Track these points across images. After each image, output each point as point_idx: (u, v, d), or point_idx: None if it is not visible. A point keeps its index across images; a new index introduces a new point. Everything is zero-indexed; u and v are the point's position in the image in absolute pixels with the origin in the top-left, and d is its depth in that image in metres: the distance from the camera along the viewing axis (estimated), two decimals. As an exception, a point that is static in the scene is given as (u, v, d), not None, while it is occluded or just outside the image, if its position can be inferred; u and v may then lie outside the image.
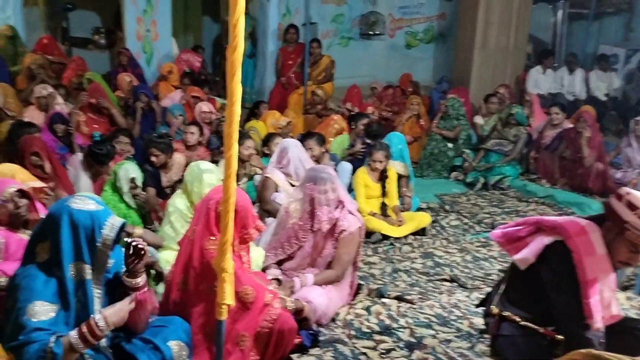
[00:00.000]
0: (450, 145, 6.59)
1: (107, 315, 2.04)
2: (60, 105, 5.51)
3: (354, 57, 8.95)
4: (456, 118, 6.66)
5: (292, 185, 4.12)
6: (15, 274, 2.14)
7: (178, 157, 4.77)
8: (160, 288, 3.10)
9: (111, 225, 2.14)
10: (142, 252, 2.20)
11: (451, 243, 4.48)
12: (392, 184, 4.76)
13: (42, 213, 3.03)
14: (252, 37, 8.20)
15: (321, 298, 2.97)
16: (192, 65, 7.36)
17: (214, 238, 2.48)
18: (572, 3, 9.46)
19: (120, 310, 2.11)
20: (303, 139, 4.79)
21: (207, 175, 3.52)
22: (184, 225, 3.56)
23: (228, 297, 2.12)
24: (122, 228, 2.19)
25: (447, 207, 5.36)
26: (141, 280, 2.28)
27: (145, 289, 2.32)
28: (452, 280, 3.73)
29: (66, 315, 2.08)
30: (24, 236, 2.93)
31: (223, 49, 8.71)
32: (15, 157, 4.12)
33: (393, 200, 4.75)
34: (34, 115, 5.24)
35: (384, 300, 3.33)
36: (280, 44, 8.06)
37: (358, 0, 9.13)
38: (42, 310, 2.00)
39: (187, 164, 4.46)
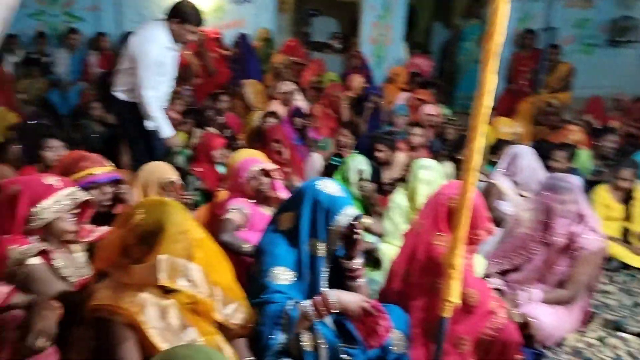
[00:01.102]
0: None
1: (340, 296, 2.13)
2: (299, 101, 6.02)
3: (597, 66, 8.07)
4: None
5: (521, 195, 3.86)
6: (262, 239, 2.37)
7: (400, 156, 4.84)
8: (376, 275, 3.17)
9: (346, 214, 2.24)
10: (357, 239, 2.28)
11: None
12: (638, 207, 4.15)
13: (280, 192, 3.33)
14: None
15: (549, 317, 2.70)
16: (421, 69, 7.42)
17: (441, 234, 2.43)
18: None
19: (353, 296, 2.18)
20: (548, 148, 4.45)
21: (423, 172, 3.52)
22: (404, 221, 3.60)
23: (454, 295, 2.05)
24: (356, 218, 2.28)
25: None
26: (358, 263, 2.35)
27: (361, 272, 2.40)
28: None
29: (300, 284, 2.23)
30: (265, 211, 3.25)
31: (452, 54, 8.68)
32: (260, 143, 4.63)
33: (638, 226, 4.13)
34: (277, 109, 5.81)
35: (621, 334, 2.91)
36: (513, 49, 7.66)
37: (609, 3, 8.21)
38: (283, 275, 2.18)
39: (408, 164, 4.51)
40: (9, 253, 2.05)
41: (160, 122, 3.88)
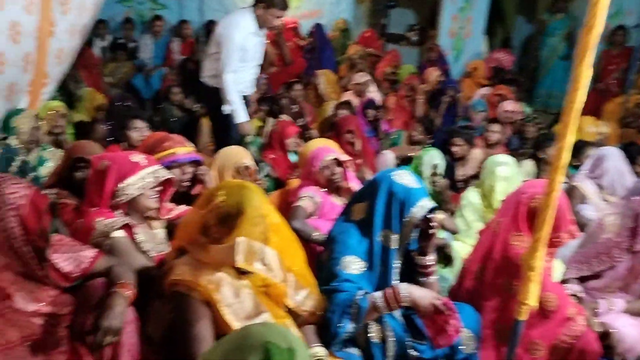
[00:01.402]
0: None
1: (411, 290, 2.09)
2: (373, 93, 5.98)
3: (694, 66, 7.48)
4: None
5: (605, 200, 3.66)
6: (334, 228, 2.37)
7: (476, 153, 4.70)
8: (447, 272, 3.10)
9: (422, 206, 2.20)
10: (431, 233, 2.23)
11: None
12: None
13: (352, 183, 3.32)
14: (570, 37, 7.56)
15: (631, 329, 2.54)
16: (502, 64, 7.17)
17: (520, 234, 2.34)
18: None
19: (425, 292, 2.14)
20: (636, 151, 4.18)
21: (501, 169, 3.40)
22: (476, 219, 3.50)
23: (531, 298, 1.97)
24: (432, 211, 2.23)
25: None
26: (430, 259, 2.31)
27: (433, 269, 2.35)
28: None
29: (370, 275, 2.22)
30: (336, 201, 3.26)
31: (535, 50, 8.32)
32: (333, 133, 4.63)
33: None
34: (350, 100, 5.79)
35: None
36: (603, 46, 7.23)
37: None
38: (353, 264, 2.18)
39: (483, 161, 4.38)
40: (95, 225, 2.17)
41: (236, 107, 3.98)
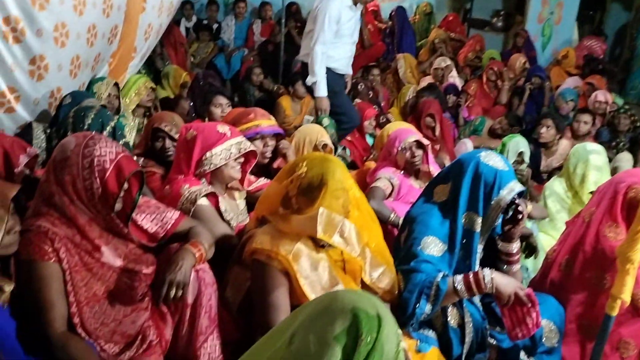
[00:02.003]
0: None
1: (495, 277, 2.02)
2: (454, 78, 5.81)
3: None
4: None
5: None
6: (414, 208, 2.32)
7: (564, 143, 4.47)
8: (528, 263, 2.98)
9: (511, 188, 2.09)
10: (520, 217, 2.13)
11: None
12: None
13: (431, 167, 3.24)
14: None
15: None
16: (594, 52, 6.76)
17: (615, 225, 2.19)
18: None
19: (509, 280, 2.04)
20: None
21: (595, 157, 3.19)
22: (560, 210, 3.33)
23: (626, 293, 1.85)
24: (521, 195, 2.13)
25: None
26: (515, 247, 2.21)
27: (517, 257, 2.25)
28: None
29: (450, 258, 2.15)
30: (414, 184, 3.19)
31: (630, 39, 7.78)
32: (413, 117, 4.55)
33: None
34: (435, 84, 5.65)
35: None
36: None
37: None
38: (434, 246, 2.11)
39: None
40: (182, 191, 2.24)
41: (319, 80, 3.94)
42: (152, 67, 5.53)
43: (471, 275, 2.01)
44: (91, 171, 1.75)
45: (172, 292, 1.80)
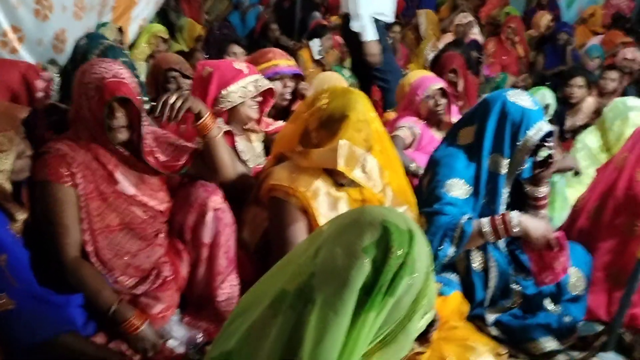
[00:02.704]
0: None
1: (524, 220, 1.93)
2: (476, 35, 5.63)
3: None
4: None
5: None
6: (437, 152, 2.23)
7: (589, 101, 4.30)
8: (554, 213, 2.88)
9: (539, 128, 2.00)
10: (551, 161, 2.06)
11: None
12: None
13: (454, 117, 3.13)
14: None
15: None
16: (622, 10, 6.51)
17: (648, 169, 2.10)
18: None
19: (539, 223, 1.96)
20: None
21: (635, 114, 3.04)
22: (590, 165, 3.21)
23: (659, 238, 1.77)
24: (549, 135, 2.03)
25: None
26: (544, 190, 2.13)
27: (545, 201, 2.17)
28: None
29: (474, 201, 2.07)
30: (435, 134, 3.09)
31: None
32: (435, 72, 4.40)
33: None
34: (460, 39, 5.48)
35: None
36: None
37: None
38: (458, 188, 2.04)
39: (596, 111, 4.02)
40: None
41: (365, 23, 3.75)
42: (166, 21, 5.42)
43: (498, 218, 1.93)
44: (87, 91, 1.66)
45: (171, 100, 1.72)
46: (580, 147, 3.20)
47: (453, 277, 2.06)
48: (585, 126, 4.10)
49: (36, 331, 1.38)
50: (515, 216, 1.93)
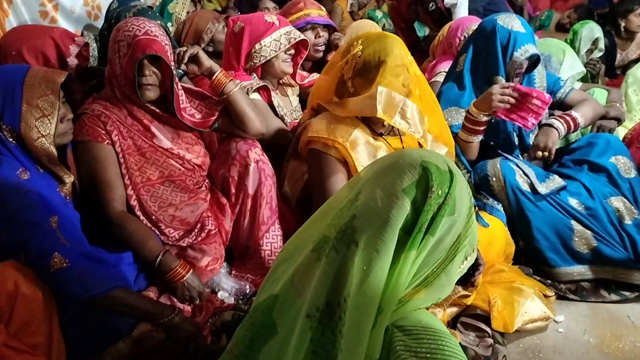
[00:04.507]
0: None
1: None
2: None
3: None
4: None
5: None
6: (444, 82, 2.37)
7: (642, 34, 4.06)
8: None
9: (525, 50, 2.11)
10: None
11: None
12: None
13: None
14: None
15: None
16: None
17: None
18: None
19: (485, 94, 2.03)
20: None
21: None
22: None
23: None
24: (534, 58, 2.17)
25: None
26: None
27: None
28: None
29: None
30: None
31: None
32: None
33: None
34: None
35: None
36: None
37: None
38: (456, 115, 2.20)
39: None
40: (234, 87, 2.15)
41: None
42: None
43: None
44: (119, 48, 1.68)
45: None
46: (632, 82, 3.04)
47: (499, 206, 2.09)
48: (636, 60, 3.90)
49: (90, 287, 1.43)
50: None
